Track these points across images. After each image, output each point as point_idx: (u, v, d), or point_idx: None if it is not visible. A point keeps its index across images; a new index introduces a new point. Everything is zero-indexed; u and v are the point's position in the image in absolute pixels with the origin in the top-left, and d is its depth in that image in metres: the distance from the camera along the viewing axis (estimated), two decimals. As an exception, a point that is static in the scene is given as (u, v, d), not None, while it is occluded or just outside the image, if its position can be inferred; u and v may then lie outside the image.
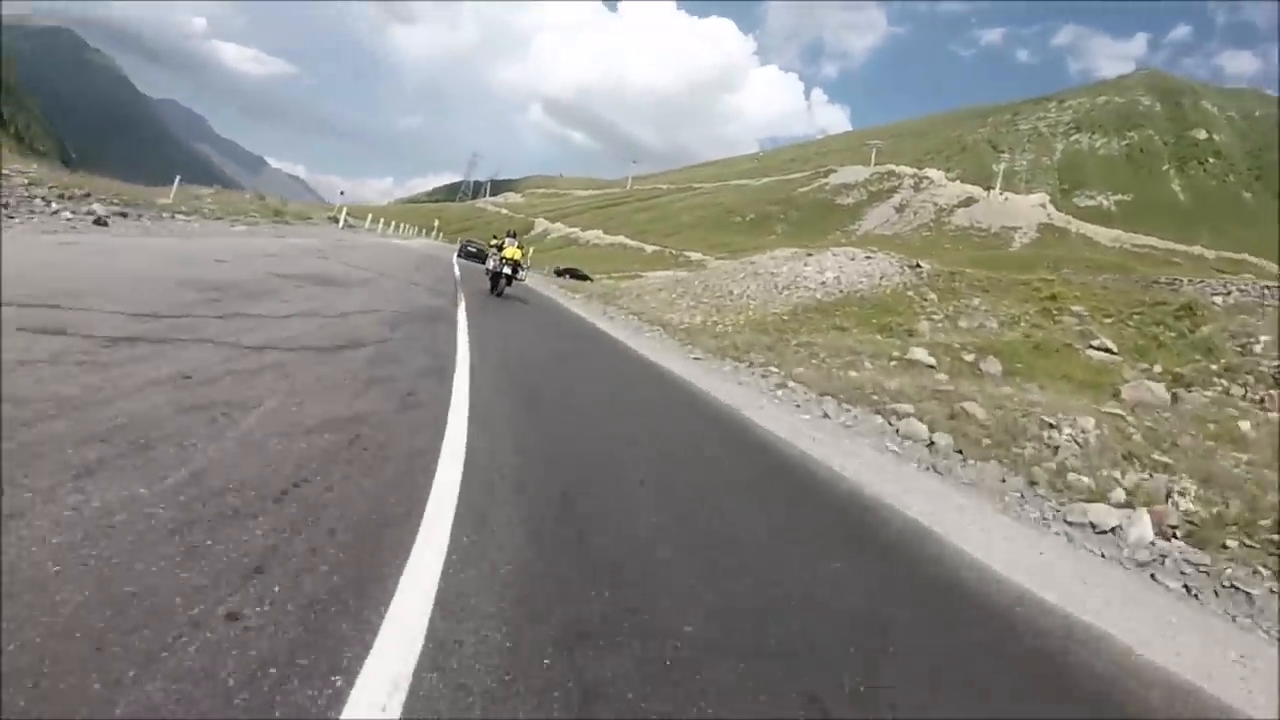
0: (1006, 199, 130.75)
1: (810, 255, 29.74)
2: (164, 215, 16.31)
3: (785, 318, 22.18)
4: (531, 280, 41.18)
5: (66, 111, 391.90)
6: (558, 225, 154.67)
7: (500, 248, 20.28)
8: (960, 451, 8.35)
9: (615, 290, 36.05)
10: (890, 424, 9.45)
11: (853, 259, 27.98)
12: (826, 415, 10.04)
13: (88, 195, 14.67)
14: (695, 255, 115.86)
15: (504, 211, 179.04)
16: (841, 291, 24.37)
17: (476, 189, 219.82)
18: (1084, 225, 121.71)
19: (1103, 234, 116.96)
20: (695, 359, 15.03)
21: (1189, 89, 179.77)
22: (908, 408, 9.83)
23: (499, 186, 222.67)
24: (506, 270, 19.70)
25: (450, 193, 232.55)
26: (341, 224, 33.77)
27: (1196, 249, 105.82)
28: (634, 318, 23.39)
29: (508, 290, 20.28)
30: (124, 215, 14.46)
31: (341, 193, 40.28)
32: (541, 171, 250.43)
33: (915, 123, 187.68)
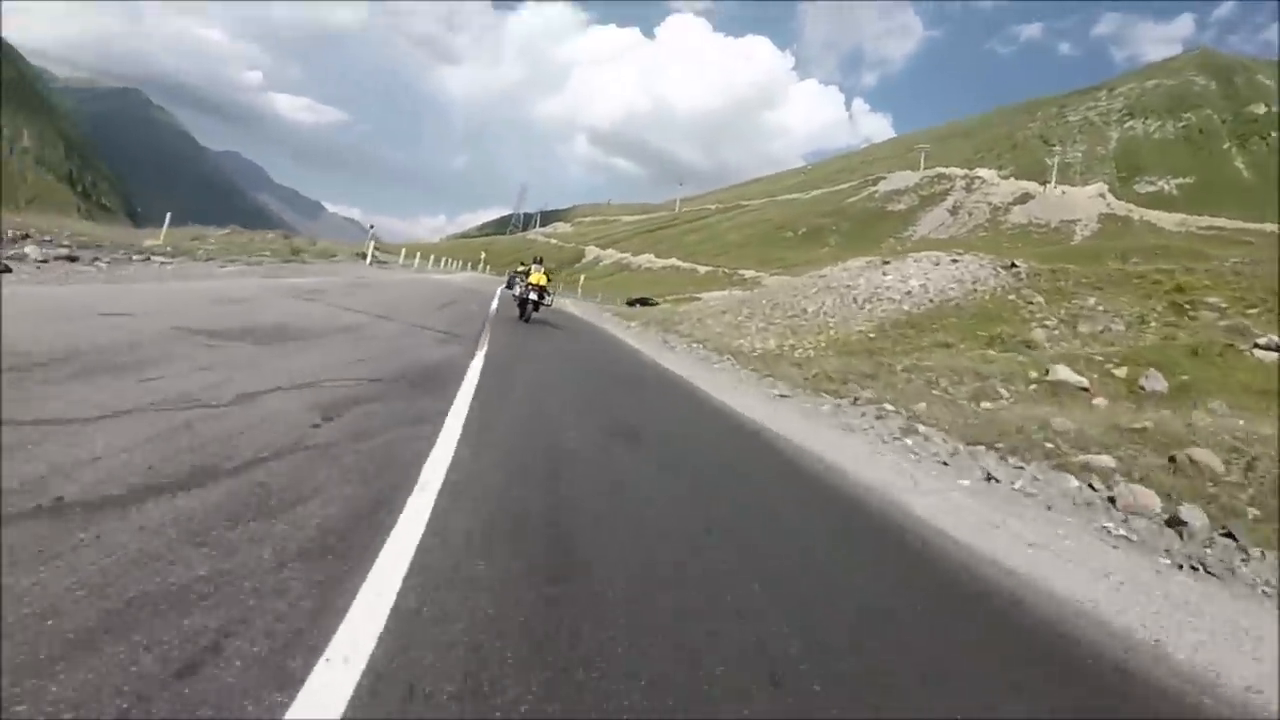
0: (1064, 192, 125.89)
1: (887, 263, 26.81)
2: (135, 257, 13.79)
3: (872, 336, 19.32)
4: (580, 309, 39.84)
5: (134, 166, 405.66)
6: (609, 252, 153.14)
7: (526, 274, 20.38)
8: (1232, 536, 5.48)
9: (673, 315, 33.30)
10: (1089, 488, 6.63)
11: (937, 264, 25.07)
12: (991, 478, 7.11)
13: (26, 236, 12.63)
14: (749, 273, 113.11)
15: (553, 241, 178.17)
16: (931, 301, 21.44)
17: (526, 221, 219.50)
18: (1146, 212, 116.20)
19: (1166, 219, 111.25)
20: (780, 396, 12.25)
21: (1240, 65, 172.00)
22: (1104, 459, 7.12)
23: (548, 217, 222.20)
24: (533, 296, 19.67)
25: (500, 226, 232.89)
26: (369, 260, 31.21)
27: (1269, 226, 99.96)
28: (698, 346, 20.78)
29: (536, 316, 20.20)
30: (72, 259, 11.75)
31: (371, 227, 37.84)
32: (589, 200, 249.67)
33: (961, 124, 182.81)
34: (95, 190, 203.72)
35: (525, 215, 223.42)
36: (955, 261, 25.13)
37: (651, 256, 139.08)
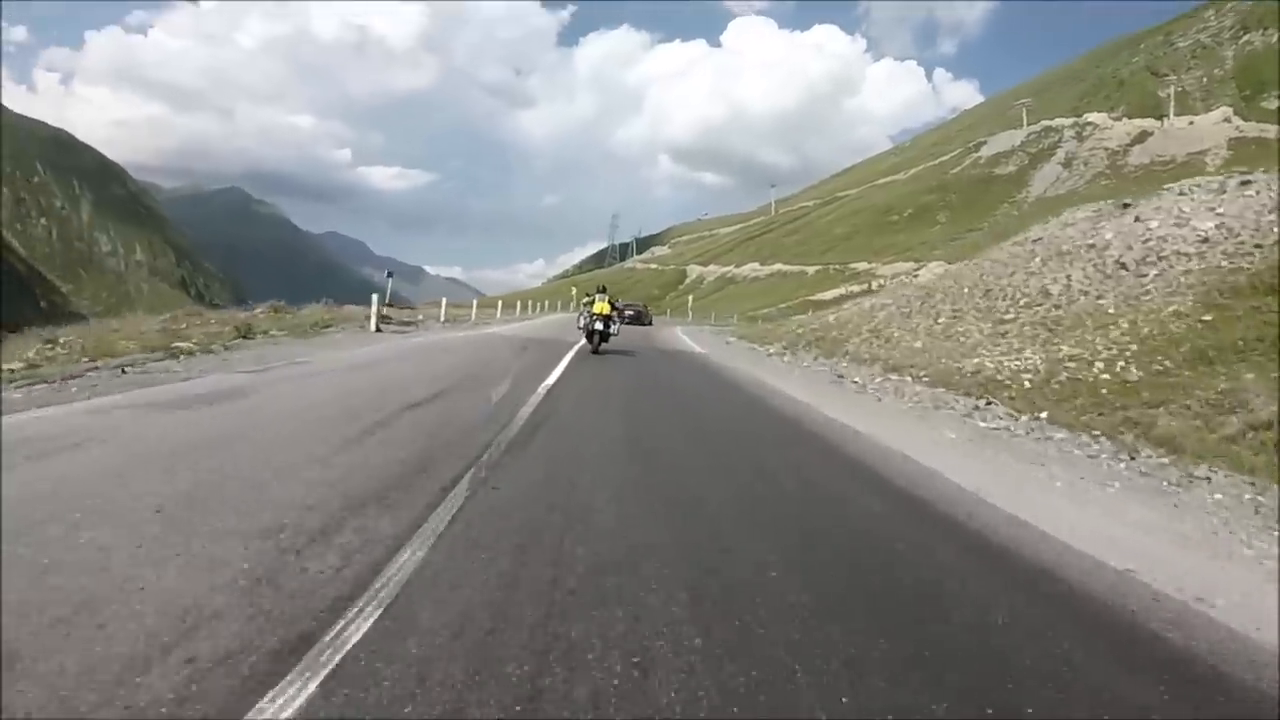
0: (1192, 123, 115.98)
1: (1128, 205, 20.20)
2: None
3: (1208, 317, 11.88)
4: (697, 338, 32.67)
5: (242, 261, 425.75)
6: (710, 268, 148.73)
7: (591, 304, 20.37)
8: None
9: (820, 329, 24.91)
10: None
11: (1221, 190, 18.15)
12: None
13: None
14: (861, 266, 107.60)
15: (653, 267, 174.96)
16: (1258, 246, 14.06)
17: (623, 251, 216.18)
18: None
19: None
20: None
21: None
22: None
23: (644, 244, 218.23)
24: (598, 326, 19.71)
25: (598, 261, 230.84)
26: (375, 324, 22.20)
27: None
28: (908, 379, 14.05)
29: (605, 346, 20.02)
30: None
31: (389, 274, 32.66)
32: (681, 219, 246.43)
33: (1058, 72, 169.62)
34: (207, 291, 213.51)
35: (622, 246, 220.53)
36: (1247, 183, 18.16)
37: (755, 265, 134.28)
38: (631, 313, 53.08)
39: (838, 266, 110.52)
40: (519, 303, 56.86)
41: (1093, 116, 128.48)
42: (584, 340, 20.39)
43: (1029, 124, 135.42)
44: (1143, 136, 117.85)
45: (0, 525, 3.71)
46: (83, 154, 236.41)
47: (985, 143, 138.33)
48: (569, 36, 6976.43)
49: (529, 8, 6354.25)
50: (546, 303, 73.41)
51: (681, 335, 34.99)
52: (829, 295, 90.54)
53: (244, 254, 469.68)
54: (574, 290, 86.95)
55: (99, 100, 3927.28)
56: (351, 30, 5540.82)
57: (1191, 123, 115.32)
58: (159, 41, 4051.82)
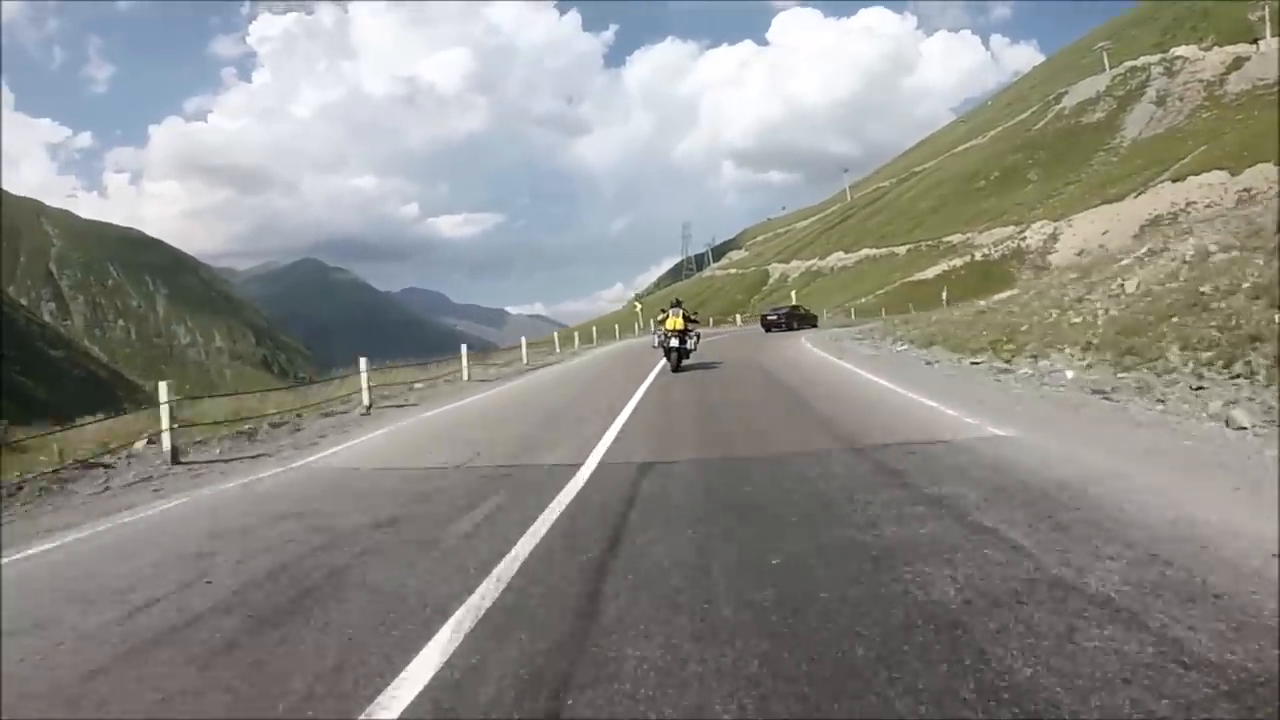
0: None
1: None
2: None
3: None
4: (825, 355, 21.80)
5: (324, 330, 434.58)
6: (793, 264, 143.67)
7: (665, 320, 19.93)
8: None
9: (1001, 331, 17.54)
10: None
11: None
12: None
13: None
14: (956, 239, 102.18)
15: (732, 272, 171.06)
16: None
17: (700, 261, 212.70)
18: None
19: None
20: None
21: None
22: None
23: (720, 251, 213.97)
24: (673, 343, 19.11)
25: (675, 275, 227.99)
26: (368, 403, 16.59)
27: None
28: None
29: (688, 368, 19.09)
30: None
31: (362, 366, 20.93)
32: (753, 222, 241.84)
33: (1131, 12, 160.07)
34: (289, 366, 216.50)
35: (697, 257, 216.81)
36: None
37: (840, 254, 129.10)
38: (775, 317, 49.33)
39: (930, 242, 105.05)
40: (577, 335, 49.43)
41: (1180, 50, 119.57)
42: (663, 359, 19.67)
43: (1111, 67, 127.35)
44: (1238, 63, 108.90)
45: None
46: (154, 249, 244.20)
47: (1066, 93, 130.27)
48: (615, 57, 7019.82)
49: (571, 34, 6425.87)
50: (617, 327, 65.56)
51: (810, 350, 23.15)
52: (930, 274, 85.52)
53: (325, 323, 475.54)
54: (638, 308, 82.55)
55: (169, 194, 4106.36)
56: (400, 83, 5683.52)
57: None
58: (218, 125, 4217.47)
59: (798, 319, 49.24)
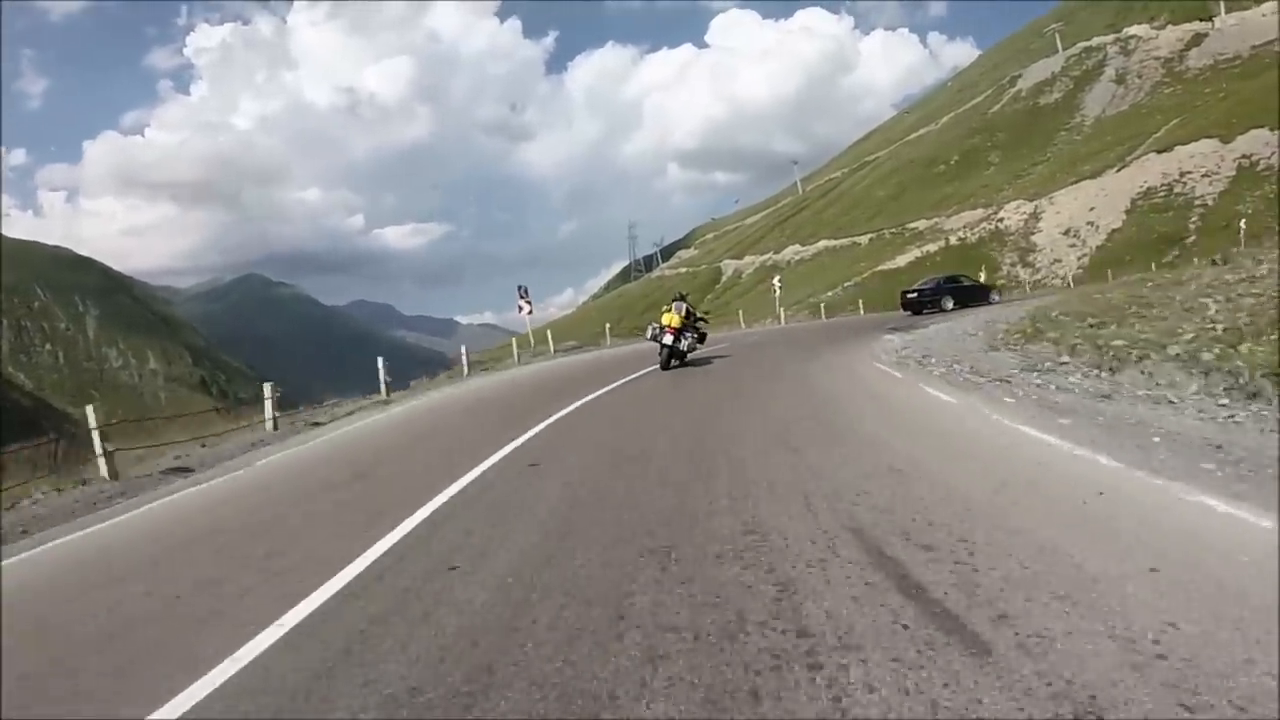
0: (1241, 20, 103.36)
1: None
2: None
3: None
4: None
5: (270, 346, 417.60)
6: (747, 260, 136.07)
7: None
8: None
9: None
10: None
11: None
12: None
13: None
14: (921, 224, 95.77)
15: (683, 271, 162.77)
16: None
17: (649, 263, 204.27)
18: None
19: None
20: None
21: None
22: None
23: (669, 251, 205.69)
24: (666, 340, 17.37)
25: (625, 277, 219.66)
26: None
27: None
28: None
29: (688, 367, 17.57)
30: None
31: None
32: (702, 221, 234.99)
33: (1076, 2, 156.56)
34: (229, 386, 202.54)
35: (646, 258, 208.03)
36: None
37: (797, 246, 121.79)
38: (916, 294, 37.34)
39: (894, 230, 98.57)
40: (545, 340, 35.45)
41: (1133, 30, 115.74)
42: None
43: (1064, 49, 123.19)
44: (1196, 40, 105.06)
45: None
46: (85, 269, 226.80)
47: (1021, 75, 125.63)
48: (557, 63, 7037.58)
49: (512, 41, 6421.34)
50: (608, 325, 46.90)
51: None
52: (901, 262, 78.85)
53: (271, 339, 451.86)
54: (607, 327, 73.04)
55: (106, 211, 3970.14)
56: (341, 93, 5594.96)
57: (1244, 19, 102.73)
58: (156, 139, 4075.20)
59: (961, 293, 36.61)
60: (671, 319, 17.70)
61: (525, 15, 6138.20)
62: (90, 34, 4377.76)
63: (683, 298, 18.80)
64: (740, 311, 63.69)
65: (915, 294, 37.53)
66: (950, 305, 35.27)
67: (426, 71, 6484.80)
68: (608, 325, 45.35)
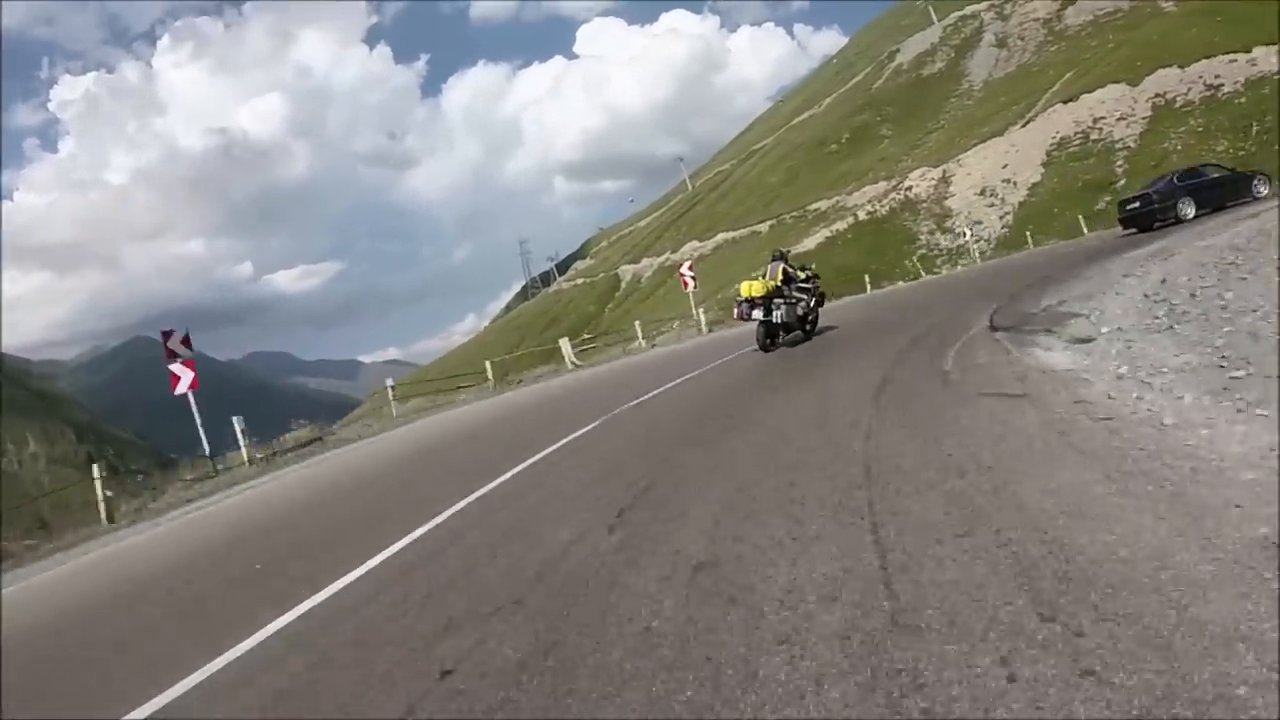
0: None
1: None
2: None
3: None
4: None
5: (165, 411, 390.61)
6: (645, 263, 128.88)
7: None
8: None
9: None
10: None
11: None
12: None
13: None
14: (822, 205, 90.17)
15: (580, 282, 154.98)
16: None
17: (546, 279, 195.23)
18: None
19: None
20: None
21: None
22: None
23: (565, 265, 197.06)
24: (756, 314, 13.97)
25: (523, 296, 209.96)
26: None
27: None
28: None
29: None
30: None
31: None
32: (595, 231, 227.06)
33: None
34: (120, 460, 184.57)
35: (543, 275, 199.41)
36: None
37: (695, 243, 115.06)
38: (1138, 204, 27.93)
39: (795, 214, 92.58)
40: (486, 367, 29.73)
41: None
42: None
43: (939, 20, 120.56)
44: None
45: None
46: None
47: (899, 49, 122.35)
48: (431, 86, 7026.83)
49: (384, 68, 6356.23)
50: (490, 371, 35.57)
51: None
52: (811, 244, 72.40)
53: (165, 404, 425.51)
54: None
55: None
56: (214, 135, 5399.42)
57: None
58: (25, 203, 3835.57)
59: (1208, 192, 26.17)
60: (751, 287, 14.32)
61: (393, 40, 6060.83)
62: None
63: (783, 256, 16.05)
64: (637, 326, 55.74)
65: (1137, 202, 27.74)
66: (1191, 212, 25.50)
67: (299, 106, 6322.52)
68: (489, 363, 32.83)
